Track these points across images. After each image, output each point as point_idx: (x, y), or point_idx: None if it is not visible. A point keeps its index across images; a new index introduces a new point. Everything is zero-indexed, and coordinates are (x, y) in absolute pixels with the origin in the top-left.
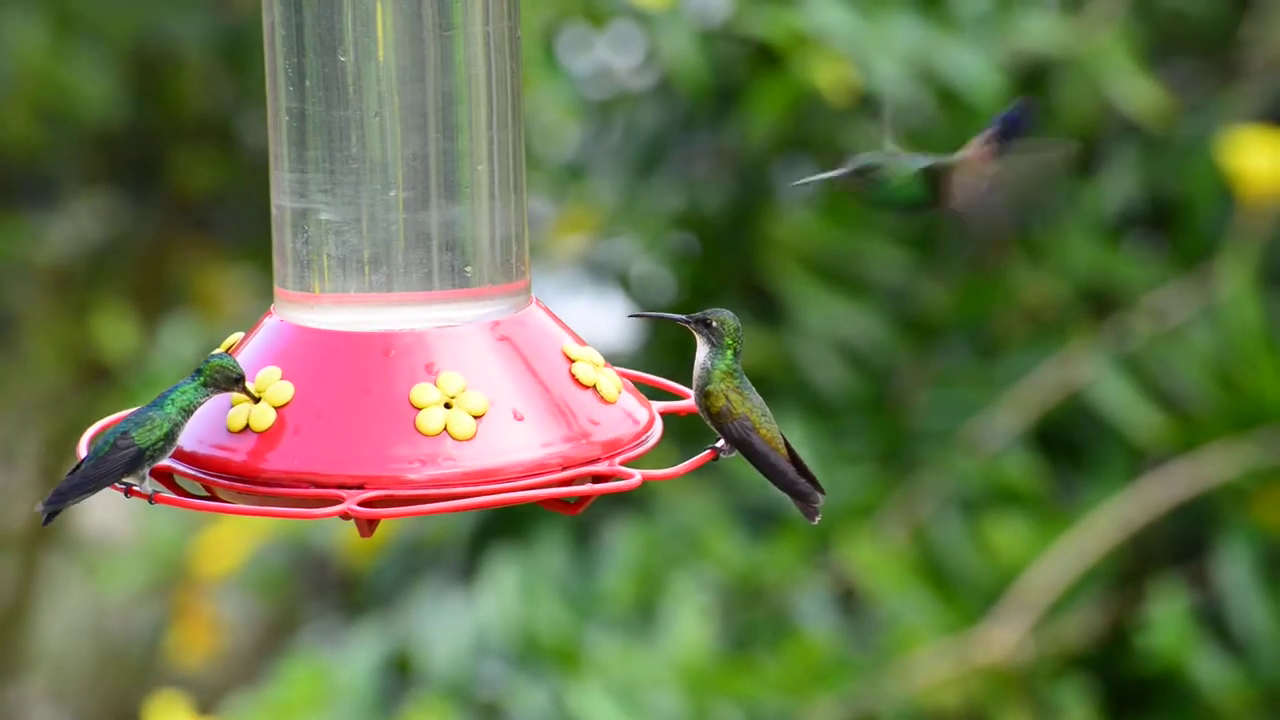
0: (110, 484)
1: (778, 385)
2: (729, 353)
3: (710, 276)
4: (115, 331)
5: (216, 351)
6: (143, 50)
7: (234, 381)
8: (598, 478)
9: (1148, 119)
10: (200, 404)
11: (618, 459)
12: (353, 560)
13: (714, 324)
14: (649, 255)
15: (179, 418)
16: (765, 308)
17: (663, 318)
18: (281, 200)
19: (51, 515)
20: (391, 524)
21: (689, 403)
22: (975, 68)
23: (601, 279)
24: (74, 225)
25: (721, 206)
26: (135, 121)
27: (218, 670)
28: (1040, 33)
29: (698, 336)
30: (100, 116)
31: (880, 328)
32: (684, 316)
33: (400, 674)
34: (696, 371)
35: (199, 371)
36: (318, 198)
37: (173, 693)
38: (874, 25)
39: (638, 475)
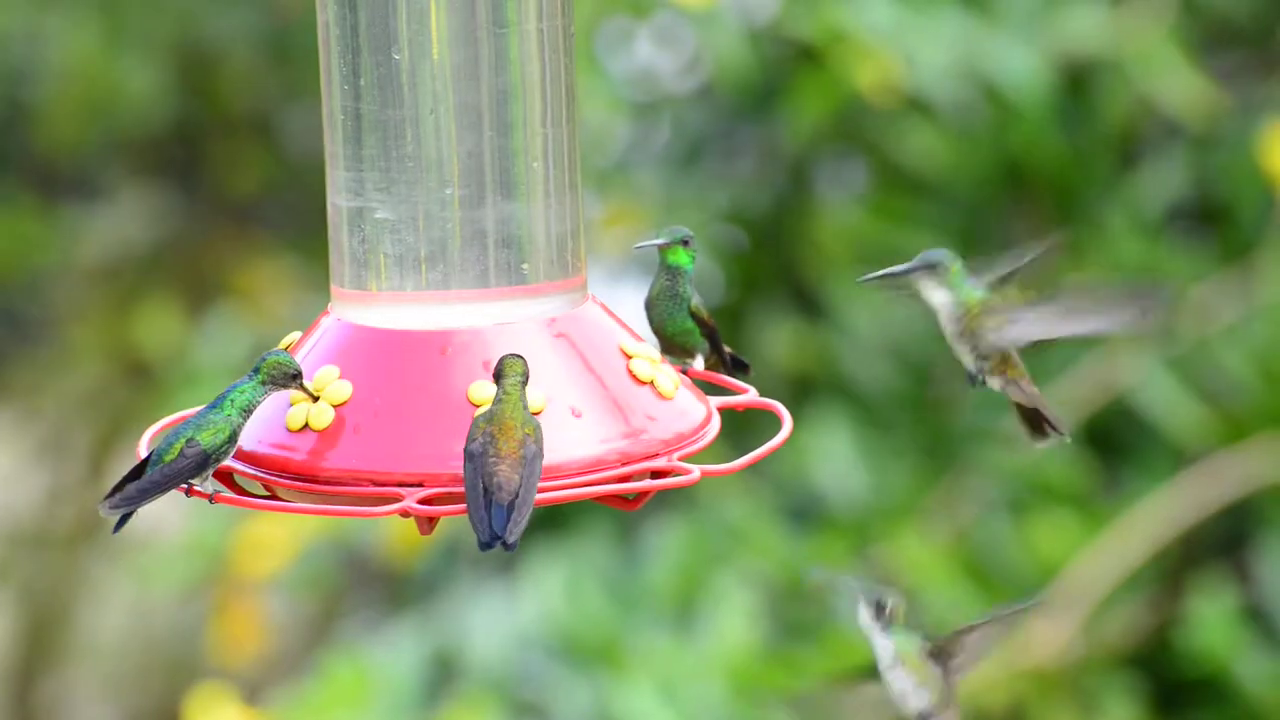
0: (176, 487)
1: (820, 382)
2: (965, 287)
3: (754, 273)
4: (158, 327)
5: (274, 349)
6: (189, 49)
7: (291, 378)
8: (656, 473)
9: (1192, 116)
10: (259, 402)
11: (676, 455)
12: (395, 556)
13: (939, 266)
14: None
15: (240, 419)
16: (808, 305)
17: (890, 274)
18: (338, 199)
19: (123, 520)
20: (456, 520)
21: (745, 398)
22: (1022, 65)
23: (647, 274)
24: (119, 222)
25: (766, 204)
26: (181, 119)
27: (263, 667)
28: (1088, 30)
29: (923, 284)
30: (146, 114)
31: (922, 324)
32: (905, 268)
33: (443, 670)
34: (954, 320)
35: (256, 370)
36: (374, 196)
37: (216, 686)
38: (920, 21)
39: (696, 471)
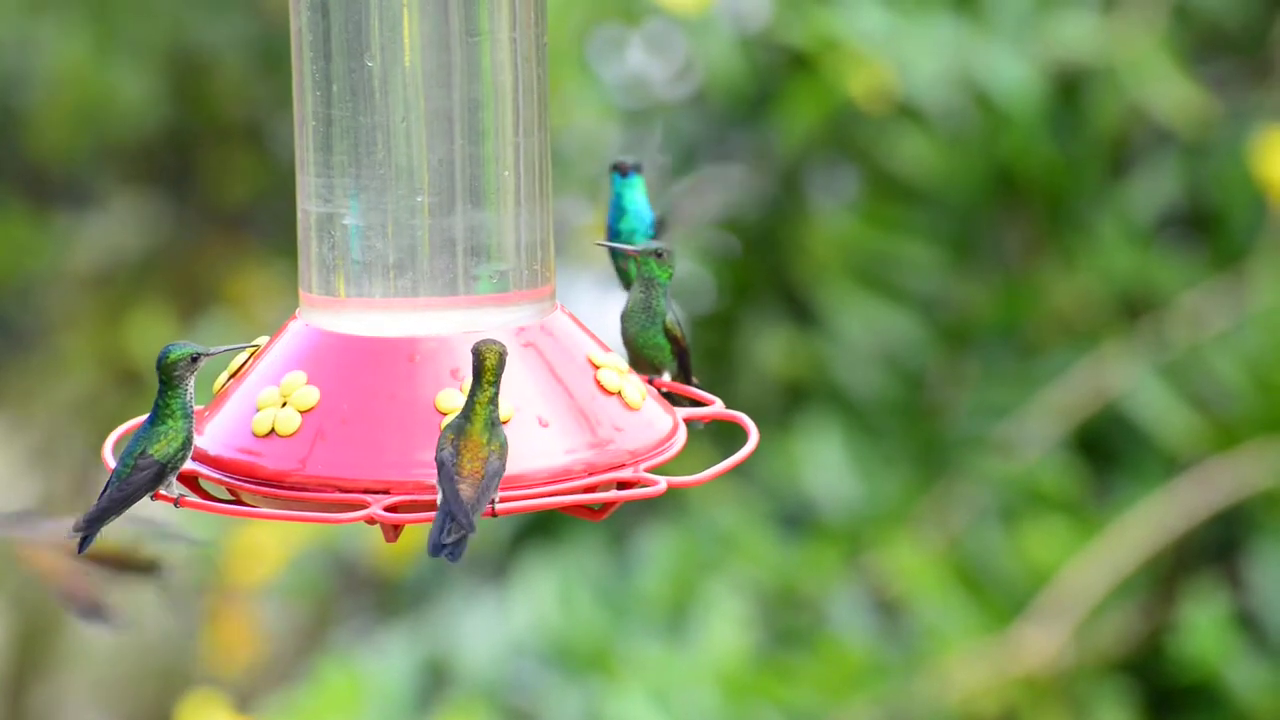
0: (136, 501)
1: (812, 389)
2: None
3: (746, 280)
4: (150, 335)
5: (166, 348)
6: (180, 56)
7: (194, 360)
8: (622, 484)
9: (1183, 123)
10: (190, 397)
11: (642, 465)
12: (387, 563)
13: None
14: (686, 255)
15: (186, 424)
16: (800, 312)
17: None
18: (308, 205)
19: (85, 540)
20: (426, 528)
21: (714, 409)
22: (1013, 72)
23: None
24: (111, 229)
25: (758, 211)
26: (173, 126)
27: (255, 675)
28: (1079, 38)
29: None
30: (138, 121)
31: (915, 332)
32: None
33: (435, 677)
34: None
35: (163, 380)
36: (343, 202)
37: (208, 693)
38: (911, 28)
39: (663, 482)
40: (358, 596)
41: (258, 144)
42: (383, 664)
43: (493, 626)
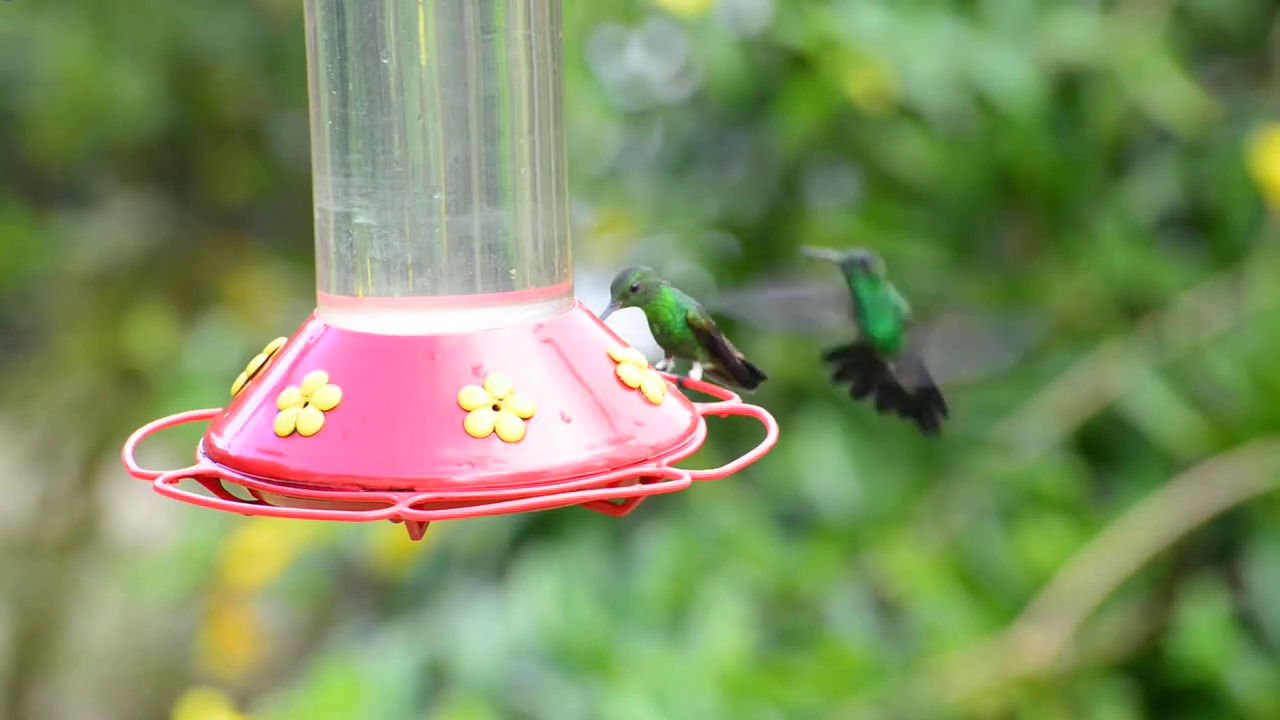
0: None
1: (812, 390)
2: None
3: (745, 280)
4: (150, 335)
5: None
6: (180, 56)
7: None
8: (646, 478)
9: (1183, 123)
10: None
11: (665, 460)
12: (386, 563)
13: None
14: (685, 255)
15: None
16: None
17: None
18: (324, 204)
19: None
20: (446, 526)
21: (729, 405)
22: (1012, 72)
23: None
24: (110, 229)
25: (757, 211)
26: (172, 126)
27: (255, 675)
28: (1078, 38)
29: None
30: (137, 122)
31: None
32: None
33: (434, 677)
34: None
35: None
36: (360, 202)
37: (207, 693)
38: (911, 28)
39: (687, 476)
40: (358, 597)
41: (258, 144)
42: (383, 664)
43: (493, 627)
